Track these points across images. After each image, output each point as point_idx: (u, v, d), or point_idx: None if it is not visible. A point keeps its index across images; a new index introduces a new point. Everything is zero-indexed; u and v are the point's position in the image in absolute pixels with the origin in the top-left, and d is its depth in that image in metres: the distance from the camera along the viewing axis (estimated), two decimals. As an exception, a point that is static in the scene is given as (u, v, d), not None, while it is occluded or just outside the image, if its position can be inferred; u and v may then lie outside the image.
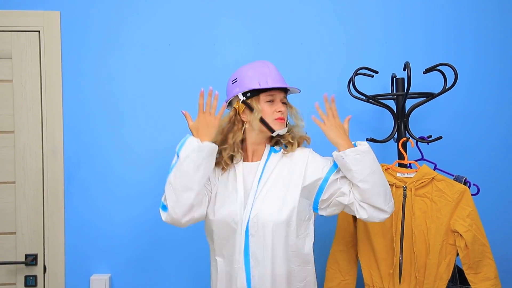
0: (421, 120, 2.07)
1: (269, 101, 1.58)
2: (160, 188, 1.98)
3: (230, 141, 1.59)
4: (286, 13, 2.09)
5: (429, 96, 1.84)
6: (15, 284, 2.00)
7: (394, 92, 1.94)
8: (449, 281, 1.70)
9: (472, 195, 1.71)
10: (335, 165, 1.58)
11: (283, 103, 1.61)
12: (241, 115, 1.60)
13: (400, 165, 1.82)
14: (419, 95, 1.87)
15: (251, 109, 1.57)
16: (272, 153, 1.63)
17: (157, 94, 2.05)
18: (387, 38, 2.11)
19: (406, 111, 1.87)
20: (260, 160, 1.62)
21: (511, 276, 2.06)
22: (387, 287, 1.74)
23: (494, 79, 2.12)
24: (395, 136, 1.89)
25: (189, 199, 1.45)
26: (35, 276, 2.00)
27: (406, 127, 1.86)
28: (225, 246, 1.55)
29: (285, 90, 1.63)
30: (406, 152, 1.83)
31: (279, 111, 1.58)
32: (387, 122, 2.00)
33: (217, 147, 1.51)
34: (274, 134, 1.59)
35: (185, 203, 1.45)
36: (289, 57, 2.08)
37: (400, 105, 1.87)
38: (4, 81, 2.01)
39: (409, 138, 1.84)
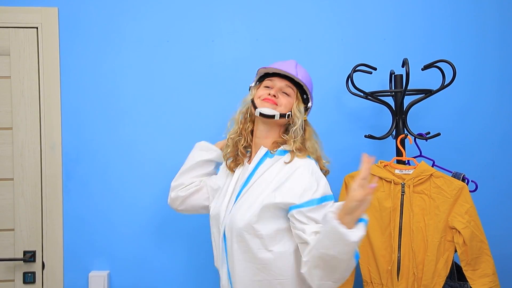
0: (419, 117, 2.07)
1: (267, 86, 1.54)
2: (159, 183, 2.00)
3: (243, 131, 1.57)
4: (284, 10, 2.09)
5: (428, 92, 1.84)
6: (13, 280, 2.00)
7: (393, 88, 1.94)
8: (447, 277, 1.70)
9: (470, 191, 1.71)
10: (321, 200, 1.38)
11: (284, 92, 1.52)
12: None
13: (399, 161, 1.82)
14: (418, 91, 1.87)
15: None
16: (267, 158, 1.51)
17: (155, 90, 2.05)
18: (385, 34, 2.10)
19: (404, 108, 1.87)
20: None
21: (509, 272, 2.07)
22: (386, 284, 1.74)
23: (492, 75, 2.12)
24: (394, 133, 1.89)
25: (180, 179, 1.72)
26: (33, 273, 2.00)
27: (405, 124, 1.86)
28: (214, 246, 1.59)
29: (298, 86, 1.53)
30: (404, 148, 1.83)
31: (269, 93, 1.50)
32: (386, 119, 2.00)
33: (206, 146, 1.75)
34: (257, 114, 1.49)
35: (178, 182, 1.73)
36: (287, 54, 2.06)
37: (399, 102, 1.87)
38: (2, 77, 2.00)
39: (408, 134, 1.85)
